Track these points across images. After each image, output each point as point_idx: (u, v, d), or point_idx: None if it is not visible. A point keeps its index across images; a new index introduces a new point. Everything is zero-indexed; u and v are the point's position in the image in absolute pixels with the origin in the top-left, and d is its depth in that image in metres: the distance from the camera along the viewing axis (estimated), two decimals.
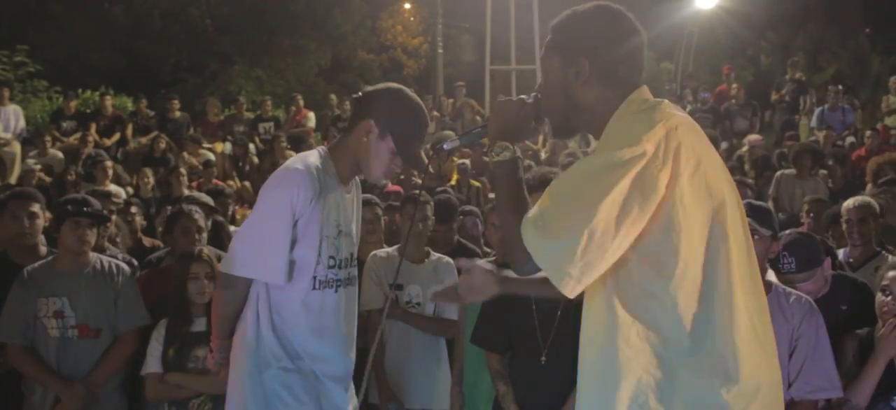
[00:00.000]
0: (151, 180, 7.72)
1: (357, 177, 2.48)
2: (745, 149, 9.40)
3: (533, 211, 1.58)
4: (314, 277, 2.26)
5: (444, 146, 2.09)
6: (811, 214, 5.00)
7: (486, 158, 1.75)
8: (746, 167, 8.63)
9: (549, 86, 1.73)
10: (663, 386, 1.53)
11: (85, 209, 3.21)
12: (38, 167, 8.39)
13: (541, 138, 10.28)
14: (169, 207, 5.16)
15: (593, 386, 1.67)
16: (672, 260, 1.52)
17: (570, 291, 1.53)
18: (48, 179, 7.77)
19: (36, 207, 3.48)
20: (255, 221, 2.25)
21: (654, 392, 1.53)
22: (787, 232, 3.03)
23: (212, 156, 9.02)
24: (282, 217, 2.17)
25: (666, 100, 1.65)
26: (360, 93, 2.38)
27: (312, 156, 2.30)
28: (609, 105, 1.65)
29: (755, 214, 2.54)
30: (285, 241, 2.19)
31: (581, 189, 1.52)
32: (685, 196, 1.51)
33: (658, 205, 1.50)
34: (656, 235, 1.52)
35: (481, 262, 2.03)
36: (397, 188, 7.01)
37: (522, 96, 1.80)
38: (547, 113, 1.76)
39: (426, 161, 2.37)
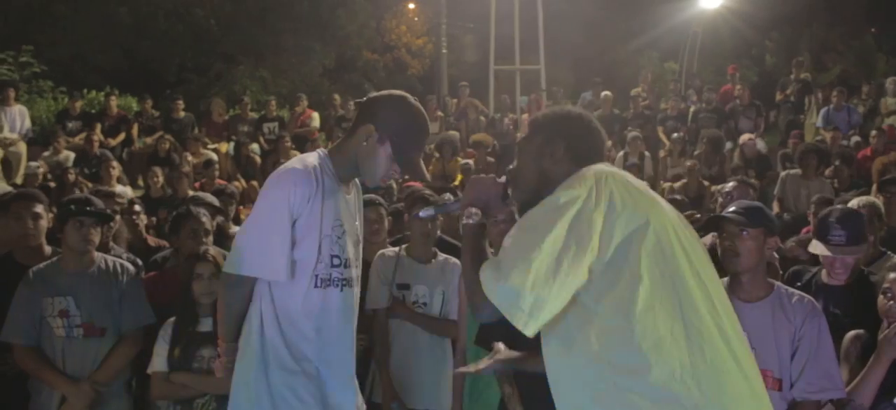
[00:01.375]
0: (161, 179, 7.74)
1: (357, 181, 2.50)
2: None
3: (490, 260, 1.78)
4: (315, 275, 2.28)
5: (421, 214, 2.37)
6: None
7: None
8: (737, 163, 8.65)
9: (524, 166, 1.98)
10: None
11: (88, 209, 3.22)
12: (43, 168, 8.39)
13: None
14: (173, 211, 5.16)
15: None
16: (621, 289, 1.65)
17: (524, 327, 1.68)
18: (53, 184, 7.79)
19: (39, 208, 3.49)
20: (255, 220, 2.26)
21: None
22: (838, 206, 3.27)
23: (214, 156, 9.04)
24: (281, 215, 2.20)
25: (602, 163, 1.88)
26: (365, 98, 2.42)
27: (311, 157, 2.33)
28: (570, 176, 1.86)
29: (745, 213, 2.55)
30: (286, 239, 2.21)
31: (526, 234, 1.72)
32: (623, 227, 1.68)
33: (600, 242, 1.67)
34: (603, 270, 1.66)
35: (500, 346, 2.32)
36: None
37: (493, 175, 2.07)
38: (518, 189, 1.99)
39: (425, 171, 2.43)
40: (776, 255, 3.60)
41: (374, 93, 2.42)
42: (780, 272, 3.48)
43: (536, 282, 1.65)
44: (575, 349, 1.72)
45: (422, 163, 2.41)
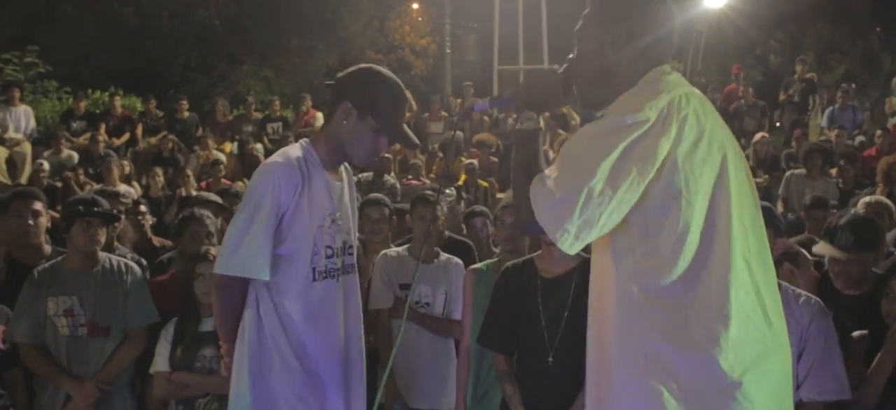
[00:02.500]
0: (162, 179, 7.75)
1: (347, 167, 2.45)
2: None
3: (543, 173, 1.66)
4: (313, 268, 2.24)
5: (475, 107, 2.19)
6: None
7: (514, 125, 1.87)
8: (750, 164, 8.60)
9: (582, 54, 1.79)
10: (661, 356, 1.59)
11: (95, 209, 3.23)
12: (47, 167, 8.40)
13: (548, 138, 10.25)
14: (177, 210, 5.17)
15: (594, 351, 1.77)
16: (672, 224, 1.58)
17: (567, 246, 1.59)
18: (59, 184, 7.80)
19: (39, 206, 3.50)
20: (237, 219, 2.22)
21: (654, 364, 1.59)
22: (852, 211, 3.21)
23: (221, 157, 9.06)
24: (262, 212, 2.15)
25: (677, 74, 1.72)
26: (335, 80, 2.37)
27: (293, 149, 2.29)
28: (636, 75, 1.71)
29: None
30: (266, 236, 2.15)
31: (583, 150, 1.61)
32: (687, 164, 1.57)
33: (658, 171, 1.56)
34: (656, 200, 1.58)
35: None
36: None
37: (554, 66, 1.88)
38: (576, 82, 1.81)
39: (413, 136, 2.37)
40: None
41: (342, 73, 2.37)
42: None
43: (586, 206, 1.56)
44: (610, 274, 1.67)
45: (407, 128, 2.36)
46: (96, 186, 7.24)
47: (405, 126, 2.36)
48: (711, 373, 1.56)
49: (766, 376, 1.60)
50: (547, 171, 1.67)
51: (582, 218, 1.56)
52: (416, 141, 2.31)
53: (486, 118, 11.96)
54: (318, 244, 2.24)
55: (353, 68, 2.37)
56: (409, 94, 2.43)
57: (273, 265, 2.18)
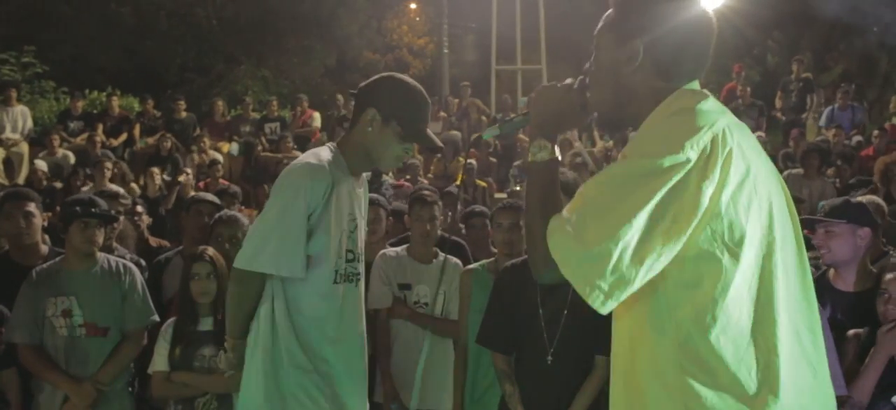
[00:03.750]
0: (159, 179, 7.74)
1: (364, 176, 2.50)
2: None
3: (563, 214, 1.42)
4: (335, 271, 2.26)
5: (484, 135, 2.03)
6: None
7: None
8: None
9: (598, 69, 1.57)
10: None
11: (93, 210, 3.23)
12: (45, 168, 8.40)
13: None
14: (177, 202, 5.15)
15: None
16: (713, 275, 1.38)
17: (601, 306, 1.37)
18: (59, 184, 7.79)
19: (31, 206, 3.50)
20: (269, 216, 2.22)
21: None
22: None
23: (219, 157, 9.05)
24: (296, 210, 2.17)
25: (712, 98, 1.48)
26: (358, 88, 2.41)
27: (324, 151, 2.32)
28: (659, 96, 1.49)
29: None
30: (301, 235, 2.18)
31: (618, 196, 1.36)
32: (731, 208, 1.37)
33: (702, 217, 1.35)
34: (694, 249, 1.37)
35: None
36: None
37: (568, 81, 1.65)
38: (594, 101, 1.58)
39: (437, 139, 2.40)
40: None
41: (365, 81, 2.42)
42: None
43: (621, 260, 1.33)
44: (641, 328, 1.45)
45: (431, 133, 2.41)
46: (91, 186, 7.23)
47: (429, 130, 2.40)
48: None
49: None
50: (566, 213, 1.42)
51: (615, 276, 1.34)
52: (440, 144, 2.35)
53: (483, 118, 11.97)
54: (340, 247, 2.27)
55: (376, 76, 2.41)
56: (428, 97, 2.46)
57: None
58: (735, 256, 1.38)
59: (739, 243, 1.37)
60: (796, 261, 1.48)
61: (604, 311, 1.38)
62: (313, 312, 2.24)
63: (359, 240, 2.37)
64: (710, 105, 1.45)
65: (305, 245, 2.19)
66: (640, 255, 1.34)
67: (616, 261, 1.33)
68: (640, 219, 1.33)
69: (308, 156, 2.28)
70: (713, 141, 1.36)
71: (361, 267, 2.41)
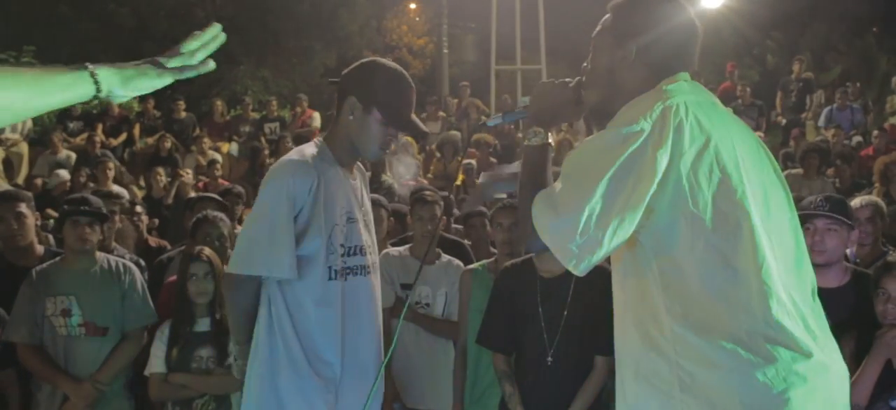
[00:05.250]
0: (163, 179, 7.73)
1: (361, 167, 2.44)
2: None
3: (546, 190, 1.61)
4: (329, 267, 2.20)
5: (488, 123, 2.14)
6: None
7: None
8: None
9: (595, 67, 1.75)
10: (684, 379, 1.50)
11: (83, 208, 3.23)
12: (67, 175, 8.34)
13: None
14: (176, 201, 5.13)
15: (618, 374, 1.68)
16: (684, 241, 1.50)
17: (573, 267, 1.53)
18: (68, 183, 7.75)
19: (23, 207, 3.49)
20: (256, 217, 2.20)
21: (677, 383, 1.51)
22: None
23: (218, 157, 9.04)
24: (282, 210, 2.13)
25: (687, 83, 1.64)
26: (340, 76, 2.35)
27: (308, 147, 2.28)
28: (646, 89, 1.64)
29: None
30: (288, 234, 2.14)
31: (584, 167, 1.56)
32: (691, 176, 1.50)
33: (661, 185, 1.49)
34: (664, 217, 1.51)
35: None
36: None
37: (566, 79, 1.82)
38: (587, 94, 1.76)
39: (422, 126, 2.35)
40: None
41: (347, 69, 2.36)
42: None
43: (588, 224, 1.49)
44: (629, 289, 1.60)
45: (416, 118, 2.34)
46: (93, 186, 7.22)
47: (413, 116, 2.32)
48: (752, 389, 1.45)
49: (814, 393, 1.48)
50: (548, 188, 1.62)
51: (584, 238, 1.50)
52: (426, 129, 2.27)
53: (483, 118, 11.97)
54: (333, 243, 2.21)
55: (357, 63, 2.35)
56: (412, 82, 2.42)
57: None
58: (701, 221, 1.50)
59: (704, 210, 1.50)
60: (777, 233, 1.57)
61: (578, 272, 1.54)
62: (313, 312, 2.19)
63: (359, 233, 2.30)
64: (677, 86, 1.62)
65: (294, 244, 2.14)
66: (605, 219, 1.49)
67: (583, 226, 1.49)
68: (603, 186, 1.49)
69: (291, 154, 2.26)
70: (663, 112, 1.52)
71: (368, 260, 2.33)
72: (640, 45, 1.66)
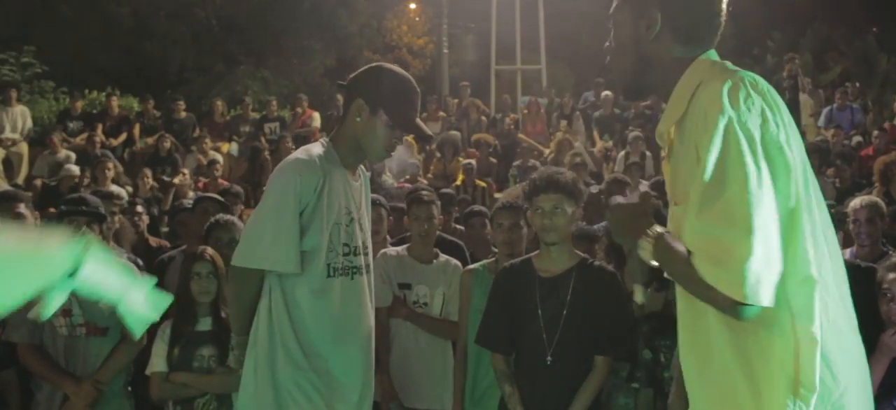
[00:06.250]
0: (151, 180, 7.72)
1: (364, 170, 2.50)
2: None
3: (693, 256, 1.40)
4: (328, 264, 2.26)
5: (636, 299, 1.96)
6: None
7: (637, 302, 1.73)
8: None
9: (618, 43, 1.66)
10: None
11: (80, 208, 3.23)
12: (77, 171, 8.32)
13: (553, 139, 10.25)
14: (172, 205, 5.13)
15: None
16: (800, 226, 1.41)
17: (770, 300, 1.36)
18: (77, 178, 7.73)
19: (21, 207, 3.49)
20: (262, 212, 2.26)
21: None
22: None
23: (219, 157, 9.04)
24: (288, 206, 2.19)
25: (729, 64, 1.56)
26: (347, 80, 2.42)
27: (315, 147, 2.35)
28: (680, 64, 1.56)
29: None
30: (294, 230, 2.20)
31: (721, 188, 1.38)
32: (771, 148, 1.41)
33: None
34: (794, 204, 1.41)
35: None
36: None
37: (637, 197, 1.68)
38: (615, 72, 1.68)
39: (426, 129, 2.41)
40: None
41: (354, 73, 2.43)
42: None
43: (760, 246, 1.33)
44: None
45: (420, 122, 2.42)
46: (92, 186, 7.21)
47: (418, 119, 2.40)
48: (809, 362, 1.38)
49: (859, 391, 1.47)
50: (691, 247, 1.42)
51: (766, 258, 1.33)
52: (430, 133, 2.37)
53: (483, 118, 11.96)
54: (334, 241, 2.27)
55: (364, 67, 2.43)
56: (417, 86, 2.47)
57: None
58: (805, 208, 1.42)
59: (785, 186, 1.41)
60: (828, 218, 1.52)
61: (769, 303, 1.35)
62: (309, 307, 2.25)
63: (357, 233, 2.37)
64: (743, 72, 1.51)
65: (299, 240, 2.21)
66: (764, 225, 1.34)
67: (762, 251, 1.33)
68: (754, 192, 1.35)
69: (299, 153, 2.32)
70: (751, 85, 1.43)
71: (364, 261, 2.40)
72: (665, 11, 1.57)
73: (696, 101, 1.48)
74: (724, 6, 1.61)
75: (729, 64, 1.56)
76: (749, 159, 1.37)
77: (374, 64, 2.44)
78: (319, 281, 2.25)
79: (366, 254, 2.42)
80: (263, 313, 2.27)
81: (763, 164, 1.38)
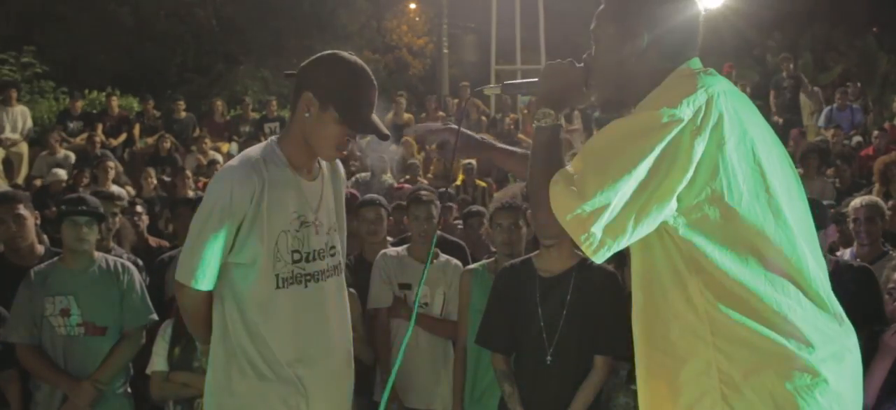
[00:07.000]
0: (154, 180, 7.73)
1: (336, 166, 2.31)
2: None
3: (566, 169, 1.51)
4: (276, 275, 2.08)
5: (485, 90, 2.08)
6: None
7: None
8: None
9: (601, 58, 1.67)
10: (727, 371, 1.48)
11: (81, 208, 3.23)
12: (63, 170, 8.32)
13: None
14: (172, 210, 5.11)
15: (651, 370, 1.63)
16: (717, 232, 1.46)
17: (593, 252, 1.45)
18: (73, 181, 7.74)
19: (21, 208, 3.49)
20: (191, 225, 2.09)
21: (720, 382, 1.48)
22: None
23: (219, 157, 9.05)
24: (212, 219, 2.01)
25: (713, 71, 1.59)
26: (297, 70, 2.15)
27: (255, 150, 2.12)
28: (660, 75, 1.60)
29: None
30: (212, 245, 2.02)
31: (615, 150, 1.46)
32: (729, 165, 1.45)
33: (696, 173, 1.44)
34: (697, 203, 1.46)
35: None
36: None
37: (571, 60, 1.73)
38: (597, 85, 1.69)
39: (383, 127, 2.11)
40: None
41: (305, 62, 2.14)
42: None
43: (616, 208, 1.41)
44: (655, 278, 1.55)
45: (376, 118, 2.12)
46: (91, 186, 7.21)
47: (374, 116, 2.11)
48: (788, 373, 1.44)
49: (844, 375, 1.50)
50: (569, 168, 1.51)
51: (611, 224, 1.42)
52: (386, 131, 2.10)
53: (483, 118, 11.96)
54: (281, 250, 2.07)
55: (315, 56, 2.13)
56: (374, 78, 2.14)
57: (234, 273, 2.06)
58: (734, 214, 1.45)
59: (739, 201, 1.45)
60: (806, 227, 1.57)
61: (598, 259, 1.47)
62: (259, 319, 2.08)
63: (312, 238, 2.14)
64: (711, 74, 1.56)
65: (218, 255, 2.03)
66: (633, 205, 1.43)
67: (610, 210, 1.42)
68: (638, 171, 1.42)
69: (235, 160, 2.11)
70: (708, 102, 1.46)
71: (327, 264, 2.18)
72: (654, 35, 1.59)
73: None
74: (700, 19, 1.66)
75: (711, 71, 1.59)
76: (656, 144, 1.42)
77: (326, 52, 2.12)
78: (266, 293, 2.06)
79: (332, 256, 2.20)
80: (219, 329, 2.12)
81: (669, 175, 1.42)
